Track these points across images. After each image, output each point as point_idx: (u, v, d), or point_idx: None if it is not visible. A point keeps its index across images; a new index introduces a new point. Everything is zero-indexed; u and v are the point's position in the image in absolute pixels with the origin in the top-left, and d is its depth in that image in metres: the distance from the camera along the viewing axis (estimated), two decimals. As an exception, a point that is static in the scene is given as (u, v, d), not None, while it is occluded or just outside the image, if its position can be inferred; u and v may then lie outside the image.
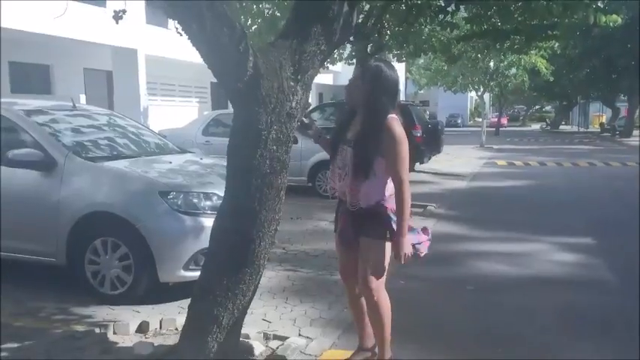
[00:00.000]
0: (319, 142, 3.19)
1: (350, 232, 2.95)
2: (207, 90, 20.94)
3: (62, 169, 4.32)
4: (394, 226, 2.80)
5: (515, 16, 7.42)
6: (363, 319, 3.11)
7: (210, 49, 2.33)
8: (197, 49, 2.37)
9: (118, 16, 4.36)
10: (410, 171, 10.61)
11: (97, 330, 3.61)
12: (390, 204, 2.85)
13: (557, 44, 10.31)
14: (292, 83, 2.54)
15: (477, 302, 4.45)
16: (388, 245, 2.84)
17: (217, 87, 20.19)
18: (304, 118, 2.97)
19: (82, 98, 14.21)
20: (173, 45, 14.48)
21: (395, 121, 2.79)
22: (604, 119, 40.38)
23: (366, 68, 2.84)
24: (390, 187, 2.86)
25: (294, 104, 2.58)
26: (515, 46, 9.24)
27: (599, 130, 37.26)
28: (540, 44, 9.70)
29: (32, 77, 13.95)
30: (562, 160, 17.04)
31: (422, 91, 42.70)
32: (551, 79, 25.53)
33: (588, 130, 42.26)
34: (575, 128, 46.36)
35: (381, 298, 2.89)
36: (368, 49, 9.53)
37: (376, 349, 3.15)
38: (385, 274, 2.92)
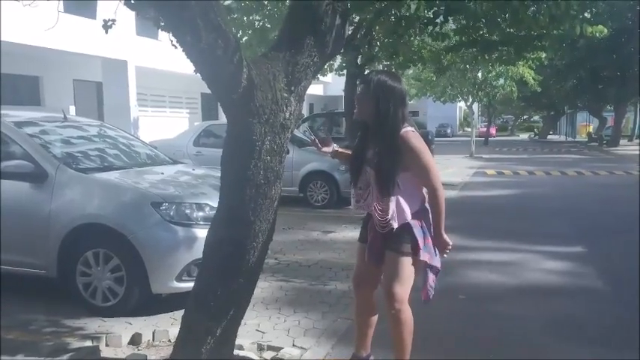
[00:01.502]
0: (337, 156, 3.20)
1: (379, 245, 2.92)
2: (198, 101, 20.97)
3: (53, 181, 4.30)
4: (420, 241, 2.82)
5: (503, 27, 7.52)
6: (366, 329, 3.12)
7: (205, 61, 2.34)
8: (191, 61, 2.38)
9: (107, 25, 4.36)
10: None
11: (89, 342, 3.58)
12: (426, 217, 2.86)
13: (544, 55, 10.43)
14: (286, 94, 2.56)
15: (468, 311, 4.47)
16: (414, 260, 2.85)
17: (207, 98, 20.25)
18: (321, 135, 2.99)
19: (72, 109, 14.19)
20: (163, 56, 14.58)
21: (411, 133, 2.79)
22: (591, 129, 40.83)
23: (369, 81, 2.82)
24: (418, 200, 2.87)
25: (287, 115, 2.59)
26: (504, 57, 9.35)
27: (586, 139, 37.66)
28: (528, 55, 9.81)
29: (21, 89, 13.90)
30: (550, 169, 17.20)
31: (411, 102, 42.99)
32: (539, 89, 25.80)
33: (576, 139, 42.70)
34: (562, 138, 46.89)
35: (404, 312, 2.89)
36: (358, 61, 9.61)
37: (371, 359, 3.17)
38: (409, 289, 2.92)
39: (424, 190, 2.88)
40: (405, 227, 2.82)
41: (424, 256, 2.84)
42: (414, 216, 2.84)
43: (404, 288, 2.87)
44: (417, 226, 2.84)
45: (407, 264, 2.85)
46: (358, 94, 2.87)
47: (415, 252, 2.83)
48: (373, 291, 3.09)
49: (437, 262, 2.92)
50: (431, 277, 2.94)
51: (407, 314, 2.92)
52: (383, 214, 2.82)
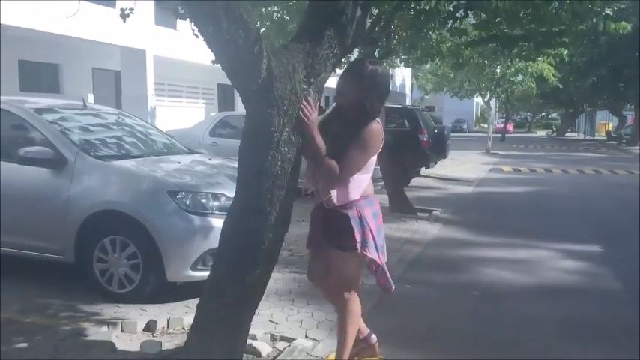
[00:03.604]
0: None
1: (319, 234, 2.93)
2: (214, 91, 21.00)
3: (72, 168, 4.35)
4: (357, 234, 2.77)
5: (524, 22, 7.41)
6: None
7: (226, 51, 2.35)
8: (212, 51, 2.39)
9: (124, 14, 4.39)
10: (415, 176, 10.64)
11: (105, 328, 3.64)
12: (366, 210, 2.81)
13: (565, 51, 10.27)
14: (305, 86, 2.56)
15: (482, 308, 4.45)
16: (359, 255, 2.82)
17: (224, 88, 20.28)
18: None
19: (90, 97, 14.31)
20: (181, 46, 14.62)
21: (376, 123, 2.76)
22: (610, 127, 40.26)
23: (363, 70, 2.73)
24: (365, 188, 2.84)
25: (306, 107, 2.59)
26: (524, 53, 9.23)
27: (605, 138, 37.16)
28: (549, 51, 9.67)
29: (41, 76, 14.05)
30: (568, 168, 17.01)
31: (427, 97, 42.69)
32: (560, 85, 25.44)
33: (594, 138, 42.14)
34: (581, 136, 46.29)
35: (351, 302, 2.90)
36: (376, 54, 9.55)
37: (371, 338, 3.16)
38: (355, 278, 2.92)
39: (369, 184, 2.88)
40: (346, 217, 2.79)
41: (368, 252, 2.81)
42: (350, 205, 2.80)
43: (349, 279, 2.88)
44: (355, 218, 2.80)
45: (348, 258, 2.84)
46: (348, 80, 2.75)
47: (352, 245, 2.79)
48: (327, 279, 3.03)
49: (374, 254, 2.84)
50: (381, 269, 2.93)
51: (354, 305, 2.91)
52: (324, 191, 2.79)
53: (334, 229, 2.85)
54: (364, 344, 3.18)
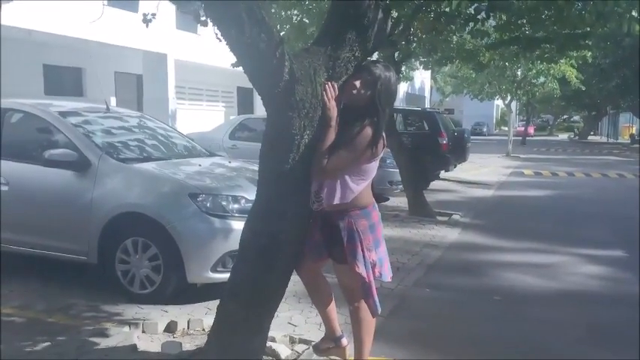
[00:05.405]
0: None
1: (319, 239, 2.82)
2: (234, 94, 21.14)
3: (96, 170, 4.41)
4: (345, 248, 2.70)
5: (547, 24, 7.33)
6: (324, 310, 3.07)
7: (248, 55, 2.36)
8: (234, 55, 2.41)
9: (147, 19, 4.43)
10: (435, 179, 10.52)
11: (127, 328, 3.67)
12: (360, 221, 2.71)
13: (589, 53, 10.15)
14: (326, 89, 2.56)
15: (503, 313, 4.40)
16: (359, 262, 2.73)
17: (243, 92, 20.41)
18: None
19: (113, 101, 14.53)
20: (202, 50, 14.78)
21: (369, 130, 2.66)
22: (634, 130, 39.50)
23: (377, 77, 2.62)
24: (363, 198, 2.74)
25: (327, 110, 2.59)
26: (546, 55, 9.13)
27: (628, 141, 36.45)
28: (572, 53, 9.56)
29: (65, 80, 14.29)
30: (591, 171, 16.74)
31: (447, 99, 42.41)
32: (583, 87, 25.07)
33: (617, 141, 41.39)
34: (604, 139, 45.49)
35: (361, 315, 2.87)
36: (395, 57, 9.52)
37: (342, 341, 3.08)
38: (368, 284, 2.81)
39: (369, 193, 2.78)
40: (334, 229, 2.72)
41: (356, 266, 2.71)
42: (342, 215, 2.71)
43: (353, 289, 2.82)
44: (345, 229, 2.71)
45: (346, 269, 2.77)
46: (360, 84, 2.63)
47: (342, 257, 2.73)
48: (314, 273, 3.00)
49: (362, 269, 2.71)
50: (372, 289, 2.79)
51: (364, 313, 2.86)
52: (321, 190, 2.69)
53: (328, 239, 2.78)
54: (334, 344, 3.09)
